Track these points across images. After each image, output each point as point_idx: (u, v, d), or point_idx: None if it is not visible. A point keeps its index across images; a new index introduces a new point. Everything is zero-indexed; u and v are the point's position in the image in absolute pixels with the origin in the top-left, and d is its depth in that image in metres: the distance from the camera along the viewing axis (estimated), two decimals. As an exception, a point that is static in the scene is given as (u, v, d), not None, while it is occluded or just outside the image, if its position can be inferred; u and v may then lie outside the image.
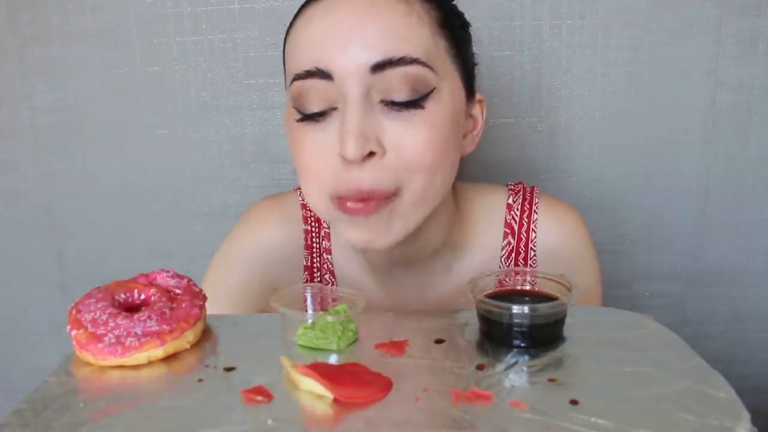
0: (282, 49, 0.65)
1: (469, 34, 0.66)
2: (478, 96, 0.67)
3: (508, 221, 0.73)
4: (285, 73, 0.64)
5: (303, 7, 0.62)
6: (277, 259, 0.73)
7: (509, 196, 0.74)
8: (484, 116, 0.68)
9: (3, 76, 0.99)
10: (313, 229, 0.74)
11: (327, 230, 0.74)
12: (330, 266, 0.74)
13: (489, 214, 0.73)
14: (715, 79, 0.93)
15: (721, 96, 0.94)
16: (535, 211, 0.73)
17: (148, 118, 0.99)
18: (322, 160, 0.59)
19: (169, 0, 0.95)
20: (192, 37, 0.96)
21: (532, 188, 0.75)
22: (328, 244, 0.74)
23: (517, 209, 0.73)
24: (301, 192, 0.76)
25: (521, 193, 0.74)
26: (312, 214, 0.75)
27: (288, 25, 0.64)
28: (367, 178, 0.58)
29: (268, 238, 0.74)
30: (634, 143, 0.96)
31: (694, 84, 0.93)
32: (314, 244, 0.74)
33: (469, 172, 0.66)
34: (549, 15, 0.92)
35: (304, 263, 0.74)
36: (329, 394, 0.42)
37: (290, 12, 0.64)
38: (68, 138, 1.01)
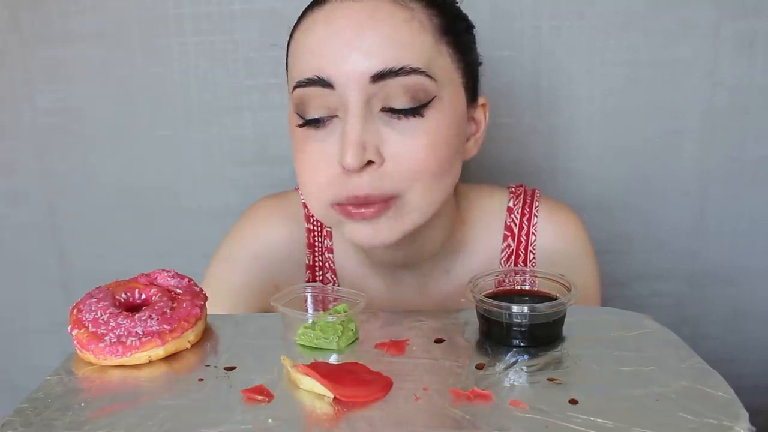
0: (285, 53, 0.65)
1: (474, 37, 0.66)
2: (481, 100, 0.67)
3: (508, 224, 0.73)
4: (287, 77, 0.64)
5: (305, 12, 0.62)
6: (279, 259, 0.73)
7: (510, 199, 0.74)
8: (487, 119, 0.68)
9: (4, 77, 0.99)
10: (316, 228, 0.74)
11: (329, 229, 0.74)
12: (332, 265, 0.74)
13: (489, 216, 0.73)
14: (713, 79, 0.93)
15: (719, 97, 0.94)
16: (535, 214, 0.73)
17: (149, 119, 0.99)
18: (322, 167, 0.59)
19: (170, 1, 0.95)
20: (193, 38, 0.96)
21: (533, 191, 0.75)
22: (330, 243, 0.74)
23: (518, 212, 0.73)
24: (303, 191, 0.76)
25: (522, 196, 0.74)
26: (314, 213, 0.75)
27: (291, 29, 0.63)
28: (365, 184, 0.58)
29: (269, 237, 0.74)
30: (633, 144, 0.96)
31: (692, 85, 0.93)
32: (317, 243, 0.74)
33: (469, 172, 0.66)
34: (548, 16, 0.92)
35: (306, 262, 0.74)
36: (329, 394, 0.42)
37: (291, 13, 0.64)
38: (69, 138, 1.01)
